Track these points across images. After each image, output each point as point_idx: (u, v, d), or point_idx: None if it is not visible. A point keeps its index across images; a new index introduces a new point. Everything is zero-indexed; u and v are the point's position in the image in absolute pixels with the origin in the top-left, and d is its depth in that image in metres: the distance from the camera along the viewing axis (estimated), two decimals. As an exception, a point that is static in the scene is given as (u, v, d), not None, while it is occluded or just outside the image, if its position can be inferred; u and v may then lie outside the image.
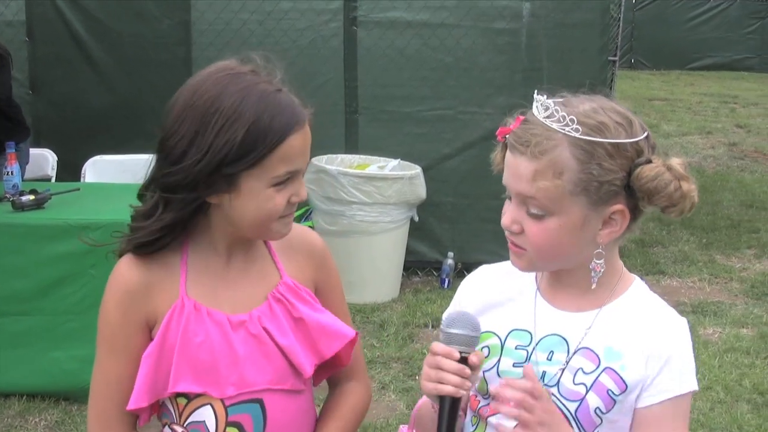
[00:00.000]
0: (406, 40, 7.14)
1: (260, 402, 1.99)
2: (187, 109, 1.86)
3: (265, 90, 1.87)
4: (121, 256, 2.00)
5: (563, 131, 1.77)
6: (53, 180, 6.52)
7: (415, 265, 7.40)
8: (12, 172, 5.28)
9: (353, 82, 7.22)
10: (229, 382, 1.95)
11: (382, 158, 7.09)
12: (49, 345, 4.91)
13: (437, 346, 1.85)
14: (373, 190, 6.58)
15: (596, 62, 7.37)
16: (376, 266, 6.77)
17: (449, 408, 1.84)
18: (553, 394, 1.86)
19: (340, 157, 7.11)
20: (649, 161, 1.78)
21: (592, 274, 1.85)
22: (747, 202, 10.09)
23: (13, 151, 5.36)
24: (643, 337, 1.85)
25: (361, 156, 7.14)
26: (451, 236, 7.29)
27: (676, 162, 1.79)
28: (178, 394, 1.96)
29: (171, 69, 7.20)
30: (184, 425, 1.99)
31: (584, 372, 1.86)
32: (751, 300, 7.08)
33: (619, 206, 1.80)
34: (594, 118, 1.79)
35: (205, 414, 1.96)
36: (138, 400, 1.93)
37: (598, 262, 1.85)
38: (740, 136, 14.86)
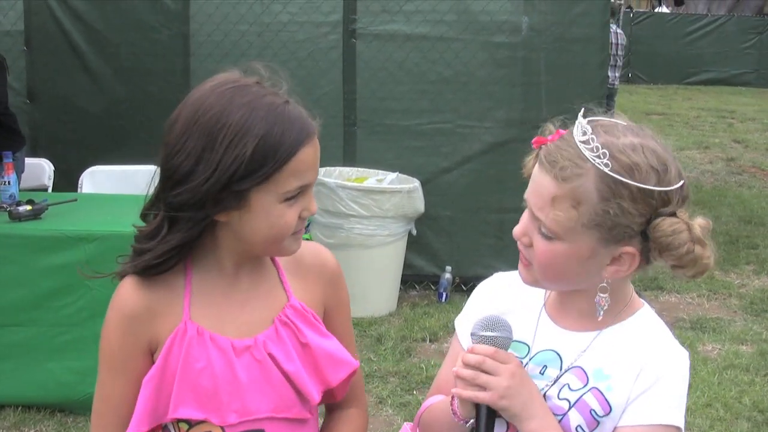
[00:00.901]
0: (405, 53, 7.13)
1: None
2: (191, 126, 1.79)
3: (272, 103, 1.81)
4: (122, 277, 1.93)
5: (593, 162, 1.73)
6: (50, 190, 6.49)
7: (412, 279, 7.37)
8: (9, 182, 5.24)
9: (352, 95, 7.20)
10: (231, 409, 1.89)
11: (380, 171, 7.07)
12: (44, 356, 4.87)
13: (479, 347, 1.82)
14: (371, 204, 6.56)
15: (596, 77, 7.36)
16: (374, 280, 6.74)
17: (489, 412, 1.81)
18: None
19: (338, 169, 7.09)
20: (673, 214, 1.73)
21: (597, 307, 1.82)
22: (745, 218, 10.08)
23: (11, 161, 5.33)
24: (635, 360, 1.81)
25: (360, 169, 7.13)
26: (449, 250, 7.26)
27: (698, 223, 1.74)
28: (179, 420, 1.90)
29: (169, 80, 7.20)
30: None
31: (570, 388, 1.84)
32: (750, 316, 7.07)
33: (630, 249, 1.75)
34: (629, 157, 1.73)
35: None
36: (138, 424, 1.88)
37: (602, 296, 1.81)
38: (738, 151, 14.89)
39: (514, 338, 1.91)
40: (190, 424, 1.91)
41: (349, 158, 7.23)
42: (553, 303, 1.95)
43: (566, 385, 1.85)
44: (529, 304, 1.97)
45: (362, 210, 6.56)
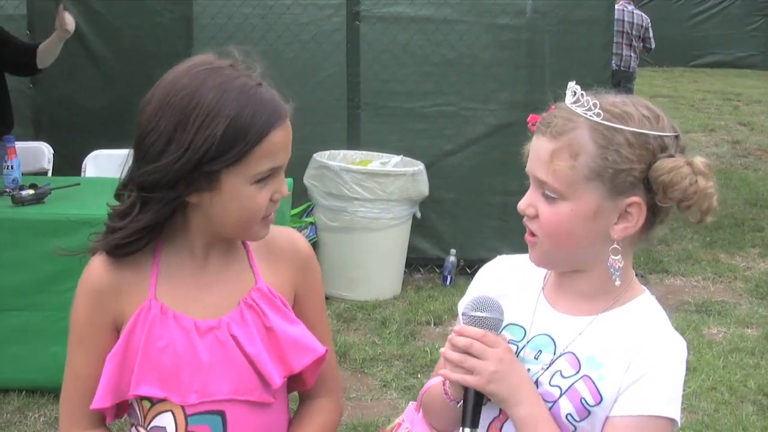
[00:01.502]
0: (409, 36, 7.10)
1: (222, 414, 1.93)
2: (164, 106, 1.80)
3: (245, 84, 1.82)
4: (93, 254, 1.97)
5: (586, 115, 1.76)
6: (50, 173, 6.47)
7: (417, 262, 7.36)
8: (12, 167, 5.23)
9: (356, 78, 7.18)
10: (191, 389, 1.90)
11: (384, 154, 7.05)
12: (48, 340, 4.87)
13: (467, 329, 1.81)
14: (375, 187, 6.54)
15: (600, 59, 7.33)
16: (378, 263, 6.73)
17: (476, 399, 1.80)
18: None
19: (342, 152, 7.07)
20: (671, 156, 1.74)
21: (612, 270, 1.79)
22: (751, 201, 10.05)
23: (13, 145, 5.32)
24: (629, 349, 1.79)
25: (364, 152, 7.10)
26: (453, 233, 7.25)
27: (699, 160, 1.75)
28: (142, 397, 1.93)
29: (172, 63, 6.95)
30: (147, 428, 1.95)
31: (562, 375, 1.83)
32: (755, 299, 7.04)
33: (635, 198, 1.75)
34: (619, 108, 1.77)
35: (166, 420, 1.93)
36: (101, 399, 1.91)
37: (615, 258, 1.78)
38: (743, 133, 14.83)
39: (513, 321, 1.91)
40: (152, 402, 1.93)
41: (353, 141, 7.21)
42: (552, 286, 1.94)
43: (558, 372, 1.83)
44: (529, 287, 1.97)
45: (366, 193, 6.54)
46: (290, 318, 1.99)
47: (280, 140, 1.83)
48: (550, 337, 1.88)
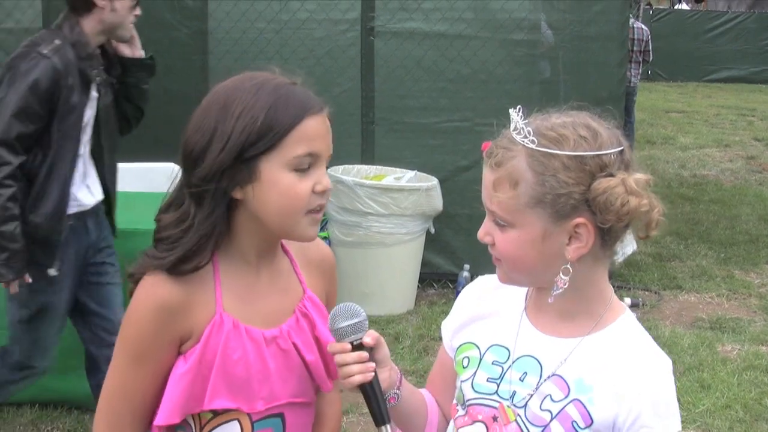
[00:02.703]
0: (424, 51, 7.12)
1: (281, 416, 2.02)
2: (206, 109, 1.90)
3: (280, 83, 1.91)
4: (143, 275, 1.93)
5: (522, 143, 1.77)
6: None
7: (430, 277, 7.37)
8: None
9: (370, 93, 7.20)
10: (259, 396, 1.97)
11: (398, 169, 7.07)
12: (61, 355, 4.85)
13: (330, 347, 1.92)
14: (389, 202, 6.55)
15: (615, 75, 7.35)
16: (392, 278, 6.73)
17: (369, 392, 1.89)
18: (519, 415, 1.86)
19: (357, 167, 7.08)
20: (610, 175, 1.74)
21: (554, 288, 1.81)
22: (765, 217, 10.02)
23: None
24: (618, 375, 1.81)
25: (378, 167, 7.12)
26: (467, 248, 7.24)
27: (635, 177, 1.74)
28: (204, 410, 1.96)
29: (187, 77, 7.20)
30: None
31: (552, 399, 1.84)
32: (769, 317, 7.02)
33: (580, 220, 1.76)
34: (556, 131, 1.78)
35: (232, 429, 1.97)
36: (170, 416, 1.92)
37: (563, 277, 1.79)
38: (758, 149, 14.80)
39: (496, 342, 1.95)
40: (216, 413, 1.96)
41: (367, 156, 7.23)
42: (533, 306, 1.95)
43: (548, 396, 1.85)
44: (511, 307, 1.98)
45: (380, 208, 6.55)
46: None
47: (315, 126, 1.89)
48: (535, 359, 1.89)
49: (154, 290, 1.91)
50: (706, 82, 23.88)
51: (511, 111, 1.83)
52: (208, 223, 1.88)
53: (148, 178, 6.48)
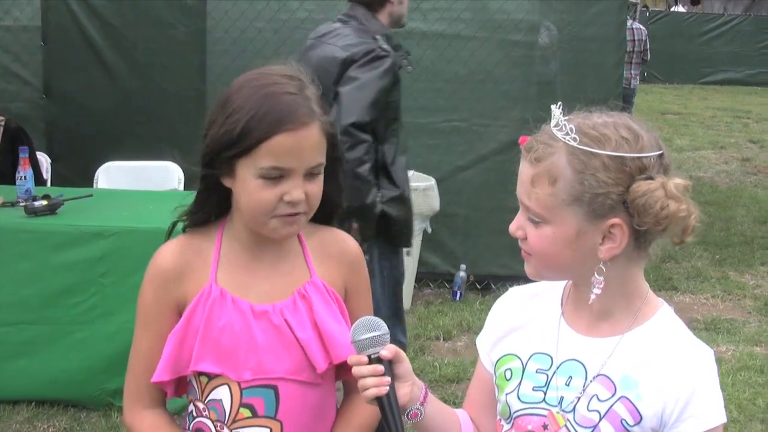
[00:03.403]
0: (422, 51, 7.11)
1: (275, 388, 2.09)
2: (218, 99, 2.06)
3: (276, 91, 2.00)
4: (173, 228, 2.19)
5: (564, 140, 1.77)
6: (48, 183, 6.51)
7: (427, 277, 7.38)
8: (25, 177, 5.26)
9: (368, 93, 7.18)
10: (246, 366, 2.07)
11: (396, 169, 7.04)
12: (57, 353, 4.86)
13: (349, 359, 1.93)
14: (386, 201, 6.54)
15: (612, 76, 7.36)
16: (388, 277, 6.73)
17: (385, 406, 1.89)
18: (568, 420, 1.86)
19: (353, 167, 7.07)
20: (650, 178, 1.75)
21: (591, 288, 1.82)
22: (760, 219, 10.05)
23: (26, 155, 5.35)
24: (663, 369, 1.81)
25: (375, 167, 7.10)
26: (463, 249, 7.27)
27: (674, 182, 1.75)
28: (200, 373, 2.09)
29: (185, 76, 7.22)
30: (205, 402, 2.11)
31: (599, 399, 1.84)
32: (764, 318, 7.04)
33: (615, 220, 1.76)
34: (597, 130, 1.78)
35: (222, 393, 2.09)
36: (161, 374, 2.08)
37: (597, 278, 1.80)
38: (753, 151, 14.85)
39: (538, 350, 1.94)
40: (209, 377, 2.10)
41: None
42: (571, 310, 1.95)
43: (595, 396, 1.85)
44: (547, 314, 1.98)
45: (377, 208, 6.55)
46: (337, 317, 2.16)
47: (287, 143, 1.97)
48: (579, 362, 1.89)
49: (155, 260, 2.14)
50: (701, 84, 23.95)
51: (553, 107, 1.83)
52: (201, 197, 2.11)
53: (145, 177, 6.51)
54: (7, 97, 7.23)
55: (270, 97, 1.99)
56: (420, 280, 7.25)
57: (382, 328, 1.92)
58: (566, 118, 1.81)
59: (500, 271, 6.87)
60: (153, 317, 2.11)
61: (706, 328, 6.70)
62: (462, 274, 7.12)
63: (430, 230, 6.98)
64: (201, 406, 2.12)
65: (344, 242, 2.27)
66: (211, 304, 2.06)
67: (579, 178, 1.75)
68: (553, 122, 1.81)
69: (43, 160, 6.66)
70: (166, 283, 2.10)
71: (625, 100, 11.32)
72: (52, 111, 7.38)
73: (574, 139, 1.76)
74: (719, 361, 5.90)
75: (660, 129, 15.13)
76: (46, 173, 6.64)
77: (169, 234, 2.20)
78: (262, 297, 2.10)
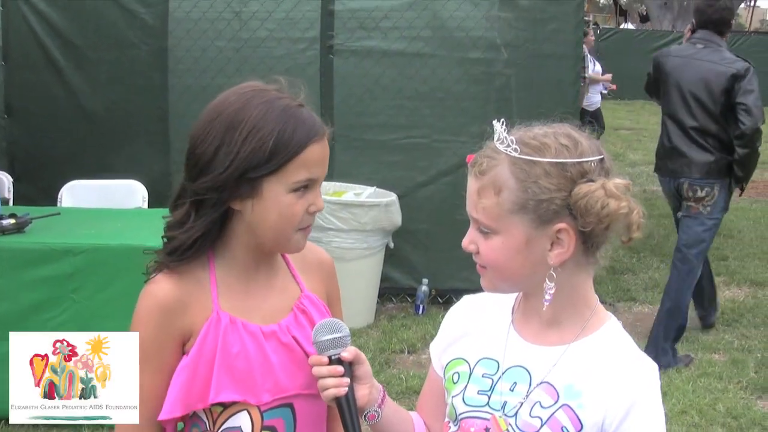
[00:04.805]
0: (382, 69, 7.21)
1: (291, 406, 2.09)
2: (213, 120, 1.98)
3: (288, 104, 1.99)
4: (156, 268, 2.07)
5: (505, 152, 1.83)
6: (11, 202, 6.49)
7: (389, 292, 7.44)
8: (-9, 197, 5.26)
9: (329, 110, 7.23)
10: (264, 389, 2.05)
11: (358, 185, 7.13)
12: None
13: (310, 359, 2.00)
14: (349, 217, 6.63)
15: (569, 94, 7.47)
16: (352, 292, 6.76)
17: (343, 406, 1.96)
18: (510, 424, 1.89)
19: (317, 183, 7.11)
20: (591, 181, 1.79)
21: (543, 295, 1.86)
22: (714, 231, 10.20)
23: (-7, 176, 5.36)
24: (606, 380, 1.84)
25: (338, 183, 7.17)
26: (425, 263, 7.33)
27: (614, 182, 1.80)
28: (214, 404, 2.03)
29: (147, 95, 7.25)
30: (220, 431, 2.05)
31: (542, 406, 1.86)
32: (721, 326, 7.17)
33: (562, 225, 1.80)
34: (538, 140, 1.83)
35: (242, 420, 2.04)
36: (172, 410, 2.00)
37: (548, 284, 1.85)
38: (705, 165, 15.02)
39: (486, 356, 1.98)
40: (225, 405, 2.04)
41: (327, 172, 7.24)
42: (520, 317, 1.99)
43: (537, 403, 1.87)
44: (498, 321, 2.02)
45: (340, 223, 6.63)
46: None
47: (318, 154, 1.99)
48: (524, 368, 1.91)
49: (152, 292, 2.04)
50: (652, 100, 24.19)
51: (494, 122, 1.89)
52: (202, 226, 2.00)
53: (110, 195, 6.52)
54: (-32, 116, 7.23)
55: (289, 112, 1.98)
56: (383, 294, 7.31)
57: (344, 329, 1.99)
58: (506, 130, 1.86)
59: (462, 285, 6.91)
60: (154, 354, 2.01)
61: (665, 338, 6.81)
62: (424, 288, 7.18)
63: (392, 246, 7.05)
64: None
65: (320, 253, 2.29)
66: (224, 332, 2.02)
67: (522, 186, 1.80)
68: (495, 136, 1.86)
69: (5, 179, 6.66)
70: (170, 316, 2.02)
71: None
72: (13, 131, 7.37)
73: (515, 150, 1.81)
74: (679, 369, 6.08)
75: (613, 144, 15.37)
76: (8, 192, 6.63)
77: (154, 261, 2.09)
78: (265, 317, 2.09)
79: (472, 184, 1.88)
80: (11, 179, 6.73)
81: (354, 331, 6.63)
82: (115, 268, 4.76)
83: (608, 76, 13.28)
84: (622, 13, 38.15)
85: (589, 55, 12.87)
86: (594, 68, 13.07)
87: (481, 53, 7.19)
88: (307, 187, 1.99)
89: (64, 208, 6.21)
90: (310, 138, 1.96)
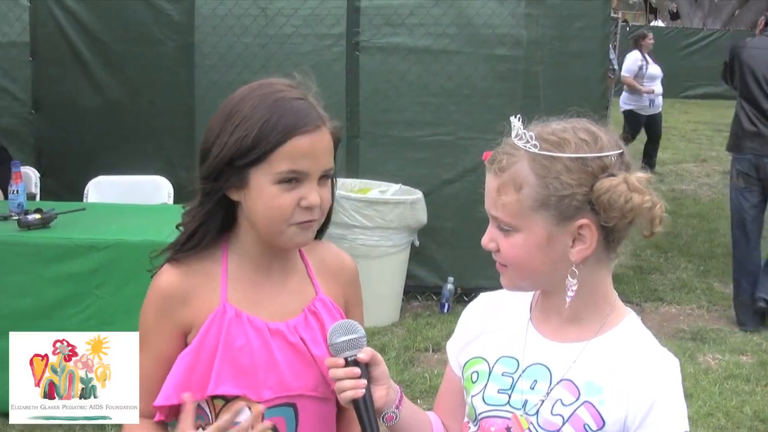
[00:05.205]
0: (408, 66, 7.18)
1: (294, 406, 2.07)
2: (218, 113, 2.02)
3: (282, 96, 1.98)
4: (164, 262, 2.09)
5: (525, 148, 1.81)
6: (38, 197, 6.53)
7: (415, 290, 7.42)
8: (17, 191, 5.28)
9: (355, 107, 7.25)
10: (266, 385, 2.04)
11: (383, 183, 7.12)
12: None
13: (326, 361, 1.98)
14: (374, 215, 6.61)
15: (596, 91, 7.42)
16: (377, 290, 6.75)
17: (361, 408, 1.93)
18: (531, 423, 1.87)
19: (341, 180, 7.09)
20: (612, 175, 1.78)
21: (566, 291, 1.84)
22: (743, 230, 10.11)
23: (19, 170, 5.38)
24: (627, 375, 1.83)
25: (363, 180, 7.16)
26: (451, 261, 7.30)
27: (636, 176, 1.78)
28: (215, 397, 2.03)
29: (173, 91, 7.25)
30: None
31: (563, 404, 1.85)
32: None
33: (583, 221, 1.79)
34: (557, 135, 1.82)
35: (243, 415, 2.02)
36: (168, 397, 2.02)
37: (571, 280, 1.83)
38: (734, 164, 14.91)
39: (505, 354, 1.96)
40: (227, 399, 2.04)
41: (352, 169, 7.26)
42: (539, 314, 1.97)
43: (559, 400, 1.86)
44: (516, 318, 2.00)
45: (365, 221, 6.61)
46: None
47: (304, 146, 1.95)
48: (544, 366, 1.90)
49: (158, 280, 2.08)
50: (682, 99, 24.05)
51: (511, 118, 1.87)
52: (201, 216, 2.03)
53: (135, 191, 6.54)
54: (-3, 112, 7.27)
55: (280, 103, 1.97)
56: (408, 292, 7.28)
57: (359, 331, 1.96)
58: (523, 126, 1.84)
59: (487, 283, 6.75)
60: (152, 340, 2.05)
61: (692, 338, 6.76)
62: (450, 286, 7.16)
63: (417, 243, 7.03)
64: None
65: (342, 258, 2.27)
66: (228, 324, 2.03)
67: (543, 183, 1.78)
68: (513, 133, 1.85)
69: (32, 174, 6.69)
70: (169, 306, 2.05)
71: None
72: (41, 126, 7.39)
73: (535, 146, 1.79)
74: (706, 370, 6.02)
75: (642, 142, 15.26)
76: (35, 188, 6.67)
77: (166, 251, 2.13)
78: (274, 315, 2.08)
79: (491, 182, 1.86)
80: (38, 174, 6.76)
81: (379, 329, 6.63)
82: (139, 264, 4.67)
83: (650, 88, 13.13)
84: (653, 11, 37.88)
85: (647, 57, 12.87)
86: (647, 70, 13.00)
87: (507, 50, 7.15)
88: (296, 180, 1.96)
89: (89, 203, 6.22)
90: (295, 129, 1.94)
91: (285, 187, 1.96)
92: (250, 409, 1.99)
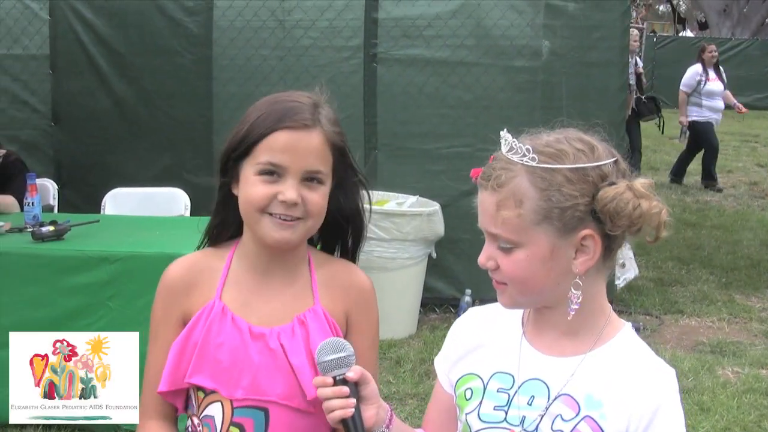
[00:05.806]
0: (426, 78, 7.18)
1: (265, 411, 2.10)
2: None
3: (284, 99, 2.10)
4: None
5: (522, 162, 1.79)
6: (56, 209, 6.56)
7: (432, 302, 7.40)
8: (33, 203, 5.31)
9: (373, 119, 7.25)
10: (239, 385, 2.09)
11: (400, 195, 7.10)
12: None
13: (314, 380, 1.96)
14: (391, 227, 6.59)
15: (615, 101, 7.39)
16: (394, 302, 6.75)
17: (350, 427, 1.91)
18: None
19: (357, 192, 7.10)
20: (613, 184, 1.76)
21: (569, 304, 1.82)
22: (767, 242, 10.04)
23: (35, 182, 5.41)
24: (626, 388, 1.82)
25: (380, 192, 7.15)
26: (468, 273, 7.26)
27: (640, 182, 1.77)
28: (199, 388, 2.12)
29: (191, 103, 7.28)
30: (200, 417, 2.14)
31: (563, 419, 1.83)
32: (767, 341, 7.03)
33: (587, 231, 1.77)
34: (553, 147, 1.80)
35: (215, 410, 2.11)
36: (161, 384, 2.12)
37: (575, 292, 1.81)
38: (761, 175, 14.85)
39: (499, 370, 1.94)
40: (205, 392, 2.12)
41: (369, 181, 7.20)
42: (532, 329, 1.95)
43: (558, 416, 1.84)
44: (508, 334, 1.98)
45: (382, 233, 6.59)
46: None
47: (284, 140, 2.03)
48: (541, 381, 1.88)
49: (165, 274, 2.19)
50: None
51: (502, 133, 1.85)
52: (214, 209, 2.18)
53: (152, 203, 6.56)
54: (17, 124, 7.33)
55: (278, 103, 2.07)
56: (425, 305, 7.26)
57: (348, 349, 1.94)
58: (515, 139, 1.82)
59: (505, 296, 6.85)
60: (161, 330, 2.16)
61: (712, 351, 6.69)
62: (467, 298, 7.11)
63: (435, 255, 7.00)
64: (196, 421, 2.14)
65: (356, 276, 2.24)
66: (211, 319, 2.09)
67: (544, 196, 1.76)
68: (505, 147, 1.82)
69: (50, 186, 6.72)
70: (174, 296, 2.14)
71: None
72: (60, 138, 7.45)
73: (533, 159, 1.78)
74: (725, 384, 5.96)
75: (667, 153, 15.18)
76: (54, 200, 6.70)
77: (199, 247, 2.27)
78: (263, 319, 2.11)
79: (487, 198, 1.84)
80: (56, 186, 6.80)
81: (396, 341, 6.61)
82: (151, 276, 4.72)
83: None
84: (681, 21, 37.76)
85: (708, 71, 12.79)
86: (704, 86, 12.88)
87: (526, 61, 7.14)
88: (277, 174, 2.03)
89: (105, 215, 6.25)
90: (279, 123, 2.03)
91: (265, 179, 2.03)
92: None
